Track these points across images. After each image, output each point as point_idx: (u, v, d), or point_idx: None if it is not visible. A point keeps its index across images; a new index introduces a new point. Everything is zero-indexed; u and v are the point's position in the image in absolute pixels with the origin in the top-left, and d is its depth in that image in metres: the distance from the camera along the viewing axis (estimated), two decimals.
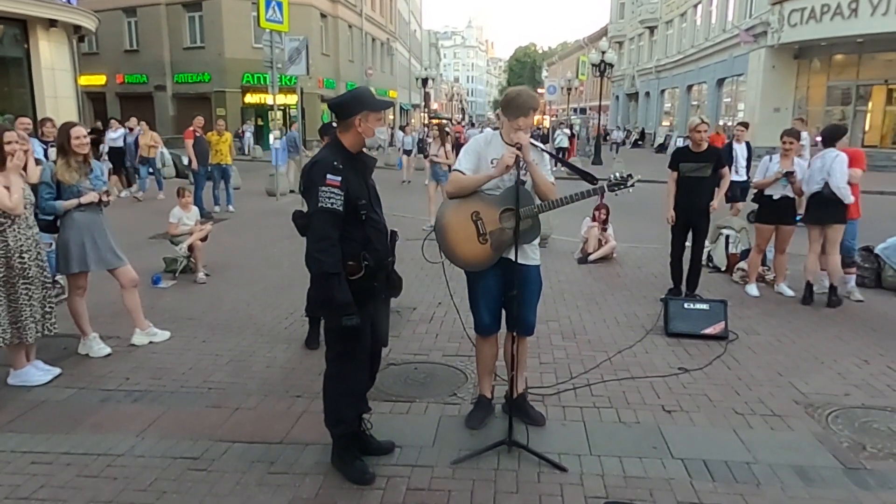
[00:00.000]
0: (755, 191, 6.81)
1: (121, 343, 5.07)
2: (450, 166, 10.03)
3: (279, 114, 18.74)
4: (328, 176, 2.95)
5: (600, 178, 3.74)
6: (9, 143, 4.07)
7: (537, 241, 3.70)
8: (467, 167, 3.58)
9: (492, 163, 3.52)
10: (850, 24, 20.99)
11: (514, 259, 3.49)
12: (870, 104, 23.70)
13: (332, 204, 2.94)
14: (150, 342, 5.12)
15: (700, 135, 6.10)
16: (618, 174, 3.66)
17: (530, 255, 3.63)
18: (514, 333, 3.64)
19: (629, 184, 3.62)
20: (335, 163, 3.00)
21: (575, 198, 3.56)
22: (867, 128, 23.42)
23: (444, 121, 44.34)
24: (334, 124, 4.00)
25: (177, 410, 3.99)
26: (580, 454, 3.49)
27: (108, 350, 4.88)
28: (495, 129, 3.89)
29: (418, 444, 3.56)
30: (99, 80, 31.11)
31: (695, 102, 35.91)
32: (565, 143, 24.77)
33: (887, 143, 22.91)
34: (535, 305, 3.77)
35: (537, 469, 3.33)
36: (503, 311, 3.74)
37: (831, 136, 6.39)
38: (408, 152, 20.36)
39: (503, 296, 3.63)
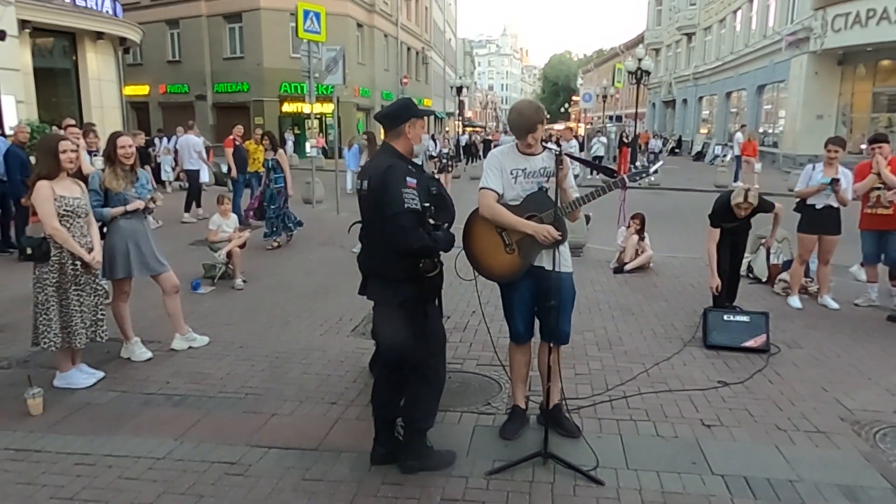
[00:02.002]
0: (797, 200, 6.64)
1: (161, 347, 5.18)
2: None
3: (316, 122, 19.03)
4: (407, 179, 3.11)
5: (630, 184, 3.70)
6: (64, 151, 4.21)
7: (567, 248, 3.67)
8: (496, 184, 3.60)
9: (511, 173, 3.58)
10: None
11: (545, 267, 3.54)
12: None
13: (415, 204, 3.11)
14: (190, 347, 5.22)
15: (741, 210, 5.76)
16: (638, 164, 3.63)
17: (563, 262, 3.60)
18: (550, 343, 3.61)
19: (651, 171, 3.59)
20: (409, 167, 3.21)
21: (596, 194, 3.55)
22: None
23: (479, 129, 44.48)
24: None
25: (215, 415, 4.05)
26: (617, 468, 3.43)
27: (149, 354, 4.99)
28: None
29: None
30: (142, 90, 31.99)
31: (734, 110, 35.25)
32: (601, 152, 24.52)
33: None
34: (569, 314, 3.74)
35: (573, 482, 3.29)
36: (536, 320, 3.75)
37: None
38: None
39: (536, 304, 3.66)
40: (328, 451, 3.60)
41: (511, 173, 3.59)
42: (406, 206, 3.06)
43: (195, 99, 31.35)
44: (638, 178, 3.59)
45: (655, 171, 3.58)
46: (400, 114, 3.30)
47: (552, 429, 3.61)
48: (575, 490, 3.23)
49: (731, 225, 5.89)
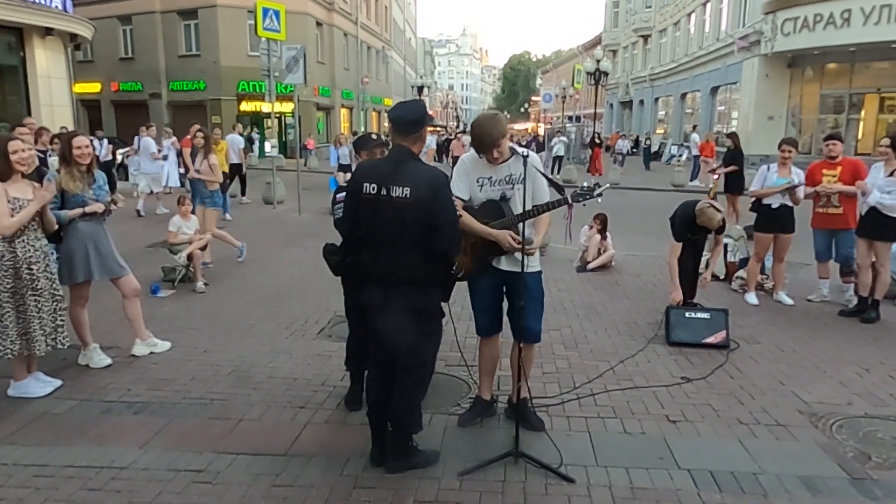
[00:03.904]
0: (752, 200, 6.82)
1: (121, 354, 5.04)
2: (222, 185, 9.10)
3: (274, 122, 18.77)
4: (451, 187, 3.17)
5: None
6: (15, 152, 4.05)
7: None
8: (462, 192, 3.66)
9: (477, 182, 3.65)
10: (842, 34, 21.12)
11: (503, 268, 3.67)
12: (862, 112, 23.83)
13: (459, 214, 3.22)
14: (151, 352, 5.09)
15: (708, 220, 5.69)
16: (586, 184, 3.65)
17: (528, 262, 3.64)
18: (520, 343, 3.65)
19: (595, 193, 3.62)
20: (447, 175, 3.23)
21: (541, 209, 3.60)
22: (860, 136, 23.53)
23: (440, 129, 44.41)
24: (374, 136, 4.04)
25: (180, 422, 3.96)
26: (586, 465, 3.48)
27: (108, 361, 4.85)
28: None
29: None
30: (94, 87, 31.03)
31: (689, 110, 36.05)
32: (562, 152, 24.74)
33: (879, 150, 23.01)
34: (538, 313, 3.80)
35: (545, 480, 3.32)
36: (506, 315, 3.86)
37: None
38: (345, 168, 15.21)
39: (501, 300, 3.77)
40: (298, 456, 3.56)
41: (477, 182, 3.66)
42: (458, 214, 3.16)
43: (149, 97, 30.57)
44: (582, 198, 3.63)
45: (600, 194, 3.61)
46: (423, 118, 3.29)
47: (519, 423, 3.64)
48: (547, 488, 3.26)
49: (694, 237, 5.96)
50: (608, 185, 3.56)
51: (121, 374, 4.70)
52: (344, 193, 3.80)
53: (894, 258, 6.84)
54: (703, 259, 6.27)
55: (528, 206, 3.52)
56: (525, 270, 3.58)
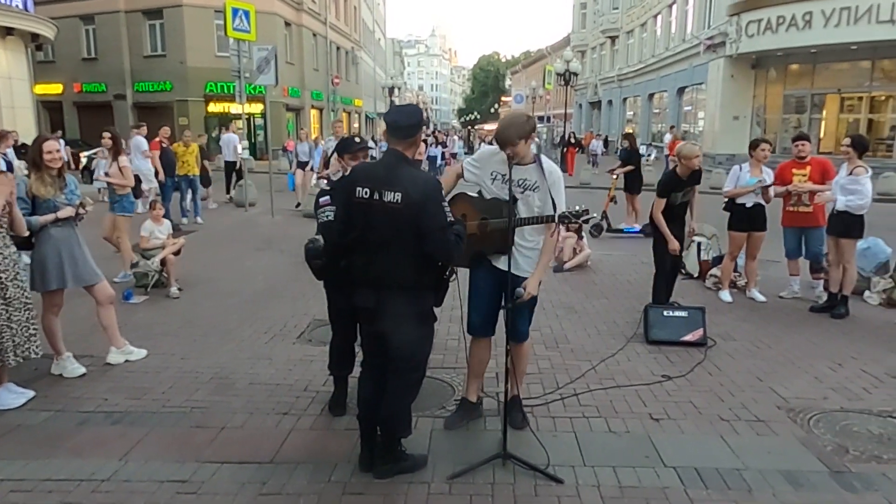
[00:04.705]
0: (726, 200, 6.95)
1: (95, 362, 4.92)
2: (135, 190, 8.26)
3: (242, 123, 18.53)
4: (442, 192, 3.18)
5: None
6: None
7: (529, 253, 3.74)
8: (472, 169, 3.82)
9: (491, 174, 3.70)
10: (804, 35, 21.67)
11: (501, 268, 3.63)
12: (824, 112, 24.47)
13: (451, 216, 3.20)
14: (127, 360, 4.97)
15: (695, 161, 5.97)
16: (577, 207, 3.68)
17: (522, 266, 3.68)
18: (508, 344, 3.66)
19: (581, 220, 3.66)
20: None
21: (530, 221, 3.66)
22: (822, 135, 24.16)
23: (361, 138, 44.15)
24: (357, 139, 3.99)
25: (160, 431, 3.88)
26: (574, 465, 3.50)
27: (82, 370, 4.72)
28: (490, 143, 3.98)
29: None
30: (55, 88, 30.28)
31: (656, 110, 36.63)
32: (534, 151, 24.77)
33: (841, 149, 23.65)
34: (524, 315, 3.83)
35: (534, 482, 3.33)
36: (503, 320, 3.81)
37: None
38: (303, 165, 14.93)
39: (497, 302, 3.76)
40: (284, 463, 3.51)
41: (491, 174, 3.70)
42: (449, 219, 3.13)
43: (114, 98, 29.92)
44: (565, 220, 3.66)
45: (586, 221, 3.66)
46: (419, 123, 3.27)
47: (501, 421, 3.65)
48: (536, 490, 3.27)
49: (677, 195, 6.05)
50: (595, 215, 3.59)
51: (96, 383, 4.59)
52: (327, 197, 3.76)
53: (861, 254, 7.04)
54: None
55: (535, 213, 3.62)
56: (523, 275, 3.66)
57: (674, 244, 5.97)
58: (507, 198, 3.53)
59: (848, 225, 6.24)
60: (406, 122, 3.21)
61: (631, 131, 18.73)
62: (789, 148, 8.17)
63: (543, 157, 3.76)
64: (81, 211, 4.70)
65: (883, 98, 23.09)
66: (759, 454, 3.64)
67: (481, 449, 3.59)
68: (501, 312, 3.77)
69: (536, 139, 27.13)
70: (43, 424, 3.97)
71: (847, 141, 6.42)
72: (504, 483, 3.32)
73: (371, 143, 22.08)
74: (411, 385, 3.37)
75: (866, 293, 6.94)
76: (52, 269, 4.49)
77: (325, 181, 4.04)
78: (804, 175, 6.64)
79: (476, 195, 3.79)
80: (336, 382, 4.19)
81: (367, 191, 3.09)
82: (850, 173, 6.22)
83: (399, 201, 3.03)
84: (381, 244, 3.11)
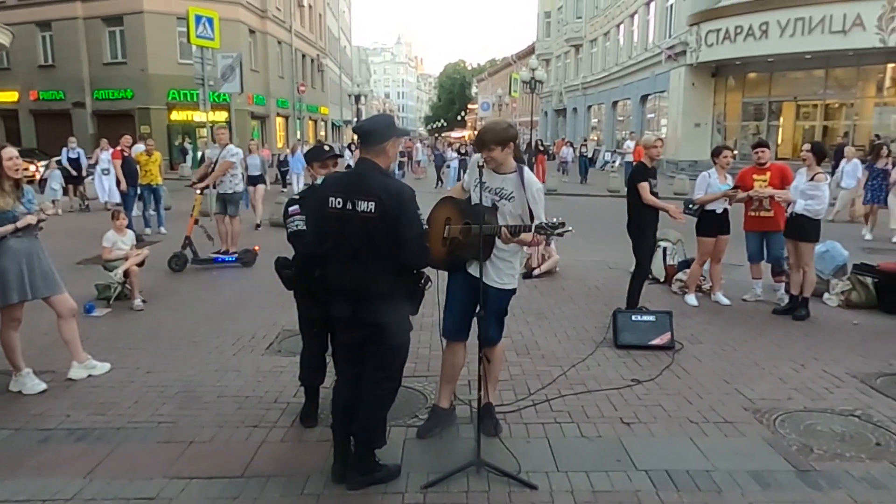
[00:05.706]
0: (694, 206, 7.07)
1: (56, 378, 4.77)
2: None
3: (205, 131, 18.21)
4: (415, 200, 3.17)
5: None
6: None
7: (503, 264, 3.78)
8: (466, 175, 3.94)
9: (474, 180, 3.73)
10: (761, 45, 22.31)
11: (475, 275, 3.63)
12: (781, 119, 25.24)
13: (425, 223, 3.23)
14: (90, 375, 4.83)
15: (658, 150, 6.35)
16: (555, 219, 3.70)
17: (493, 276, 3.69)
18: (481, 351, 3.67)
19: (556, 232, 3.66)
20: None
21: (510, 228, 3.63)
22: (780, 141, 24.85)
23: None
24: (326, 147, 3.95)
25: (126, 448, 3.78)
26: (548, 471, 3.51)
27: (43, 386, 4.58)
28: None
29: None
30: (11, 96, 29.49)
31: (620, 118, 37.21)
32: None
33: (798, 155, 24.37)
34: (493, 323, 3.85)
35: (508, 489, 3.33)
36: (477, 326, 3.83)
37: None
38: (254, 181, 13.03)
39: (472, 306, 3.73)
40: (255, 477, 3.45)
41: (475, 180, 3.72)
42: (424, 227, 3.13)
43: (72, 106, 29.21)
44: (541, 231, 3.68)
45: (561, 234, 3.66)
46: (384, 131, 3.22)
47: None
48: (511, 497, 3.27)
49: (652, 182, 6.18)
50: (571, 228, 3.60)
51: (58, 399, 4.45)
52: (296, 206, 3.73)
53: (819, 258, 7.25)
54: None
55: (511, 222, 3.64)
56: (494, 285, 3.69)
57: (674, 210, 6.16)
58: (488, 204, 3.57)
59: (805, 229, 6.42)
60: (371, 128, 3.23)
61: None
62: (749, 154, 8.39)
63: (525, 169, 3.77)
64: (43, 216, 4.58)
65: (837, 105, 23.87)
66: (728, 455, 3.71)
67: (455, 457, 3.58)
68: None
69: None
70: (2, 443, 3.83)
71: (807, 147, 6.61)
72: (478, 491, 3.32)
73: (347, 153, 21.55)
74: (387, 394, 3.35)
75: (826, 295, 7.14)
76: (13, 282, 4.33)
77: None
78: (764, 181, 6.82)
79: (463, 200, 3.84)
80: (307, 393, 4.14)
81: (340, 201, 3.08)
82: (812, 179, 6.40)
83: (373, 210, 3.02)
84: (355, 253, 3.09)
